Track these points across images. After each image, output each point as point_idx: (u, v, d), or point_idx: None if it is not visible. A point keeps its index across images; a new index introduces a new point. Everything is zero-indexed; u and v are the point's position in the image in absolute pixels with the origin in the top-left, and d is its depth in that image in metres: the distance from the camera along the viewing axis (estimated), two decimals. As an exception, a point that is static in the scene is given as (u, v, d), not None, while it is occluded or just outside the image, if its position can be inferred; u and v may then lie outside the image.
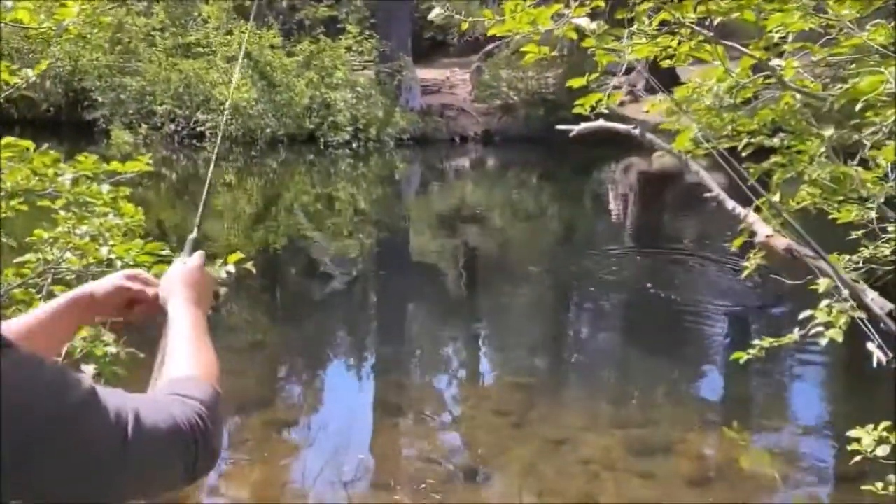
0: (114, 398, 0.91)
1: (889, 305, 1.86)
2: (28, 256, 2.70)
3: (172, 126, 14.77)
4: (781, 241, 2.13)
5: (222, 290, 1.28)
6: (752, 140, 2.59)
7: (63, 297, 1.18)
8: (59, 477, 0.86)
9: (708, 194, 2.21)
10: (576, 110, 1.95)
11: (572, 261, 7.84)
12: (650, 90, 12.57)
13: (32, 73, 2.79)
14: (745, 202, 2.34)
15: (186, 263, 1.22)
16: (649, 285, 6.48)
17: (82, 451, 0.87)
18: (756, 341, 2.72)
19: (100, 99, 15.27)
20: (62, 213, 2.67)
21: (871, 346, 1.70)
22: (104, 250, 2.42)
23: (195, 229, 1.29)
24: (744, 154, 2.59)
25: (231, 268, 2.65)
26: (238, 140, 14.41)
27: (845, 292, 1.87)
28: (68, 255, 2.64)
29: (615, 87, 2.32)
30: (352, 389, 4.45)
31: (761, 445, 3.68)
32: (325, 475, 3.19)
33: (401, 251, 8.31)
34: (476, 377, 4.65)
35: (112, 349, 2.61)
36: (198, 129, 14.64)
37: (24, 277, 2.46)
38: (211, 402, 1.02)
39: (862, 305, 1.83)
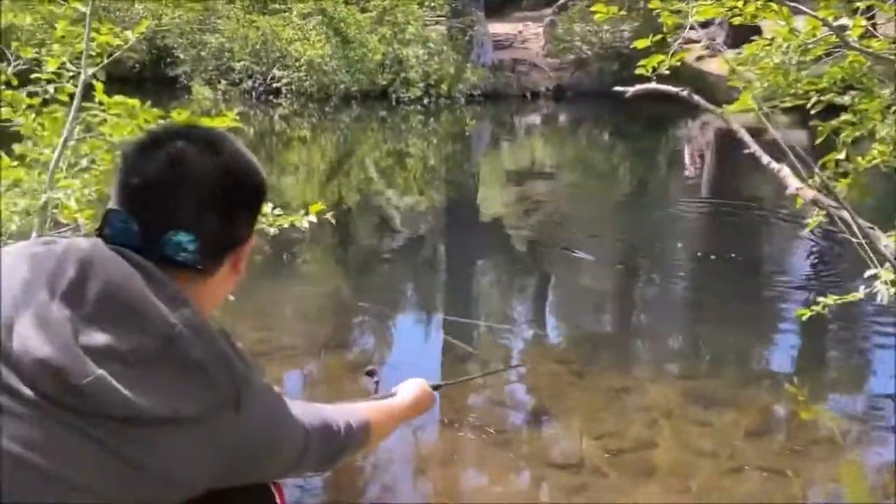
0: (293, 405, 1.15)
1: (897, 248, 1.91)
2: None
3: (250, 82, 15.15)
4: (808, 193, 2.18)
5: None
6: (822, 98, 2.61)
7: None
8: (253, 476, 1.10)
9: (746, 151, 2.27)
10: (637, 71, 2.04)
11: (644, 218, 7.83)
12: (731, 42, 12.12)
13: (132, 35, 3.02)
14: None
15: (428, 385, 1.65)
16: (722, 243, 6.47)
17: (280, 458, 1.12)
18: (821, 299, 2.77)
19: (181, 56, 15.77)
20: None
21: (878, 284, 1.76)
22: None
23: (442, 383, 1.76)
24: (812, 112, 2.62)
25: (313, 217, 2.87)
26: (313, 96, 14.71)
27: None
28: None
29: (689, 41, 2.37)
30: (420, 337, 4.64)
31: (823, 401, 3.72)
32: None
33: (470, 207, 8.44)
34: (542, 329, 4.77)
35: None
36: (273, 85, 14.98)
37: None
38: (359, 437, 1.30)
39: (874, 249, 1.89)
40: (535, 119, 15.94)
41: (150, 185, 1.01)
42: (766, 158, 2.32)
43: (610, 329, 4.73)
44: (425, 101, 14.86)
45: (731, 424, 3.41)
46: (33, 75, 2.66)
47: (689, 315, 5.12)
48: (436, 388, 1.68)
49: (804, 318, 2.83)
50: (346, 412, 1.32)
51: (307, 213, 2.84)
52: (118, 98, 2.41)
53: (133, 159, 1.03)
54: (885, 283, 2.21)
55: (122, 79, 17.00)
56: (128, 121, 2.42)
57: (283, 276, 5.60)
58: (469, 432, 3.30)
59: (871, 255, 1.97)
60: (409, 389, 1.59)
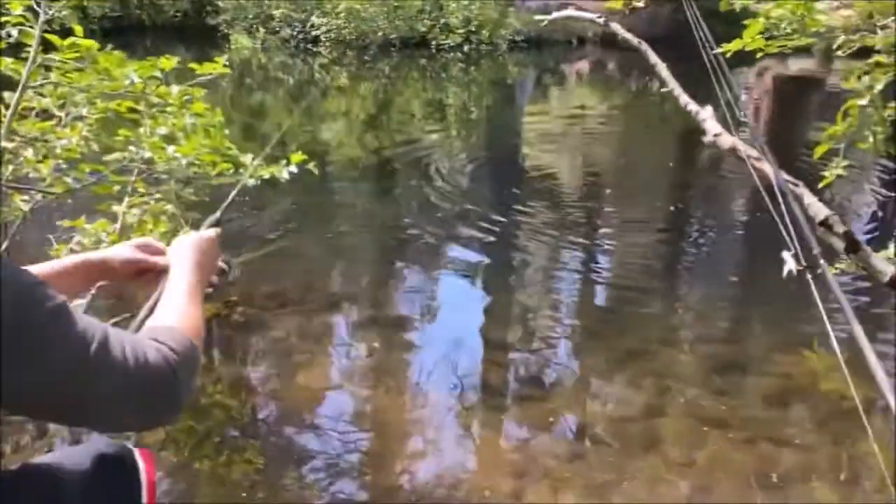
0: (85, 321, 0.95)
1: (826, 211, 1.66)
2: (114, 155, 2.85)
3: (288, 30, 14.98)
4: (727, 140, 1.93)
5: (230, 270, 1.43)
6: (852, 37, 2.31)
7: (76, 257, 1.27)
8: (22, 383, 0.90)
9: (665, 89, 2.02)
10: (608, 4, 1.80)
11: (695, 172, 7.50)
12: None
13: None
14: None
15: (200, 233, 1.32)
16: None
17: (45, 360, 0.91)
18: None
19: (221, 4, 15.66)
20: (144, 111, 2.80)
21: (785, 254, 1.52)
22: (170, 149, 2.52)
23: (218, 212, 1.44)
24: (840, 53, 2.33)
25: (294, 168, 2.72)
26: (351, 44, 14.47)
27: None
28: (148, 153, 2.77)
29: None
30: (461, 290, 4.49)
31: (848, 369, 3.45)
32: (437, 372, 3.34)
33: (510, 158, 8.16)
34: (569, 291, 4.56)
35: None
36: (312, 33, 14.78)
37: (101, 174, 2.62)
38: (186, 354, 1.04)
39: (803, 211, 1.64)
40: (583, 66, 15.39)
41: None
42: (684, 99, 2.09)
43: (636, 291, 4.48)
44: (466, 48, 14.48)
45: (747, 394, 3.20)
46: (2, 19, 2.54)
47: (722, 275, 4.86)
48: (216, 224, 1.41)
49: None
50: (161, 334, 1.05)
51: (288, 164, 2.70)
52: (71, 40, 2.27)
53: None
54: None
55: (163, 27, 17.12)
56: (89, 65, 2.29)
57: (309, 226, 5.51)
58: (463, 393, 3.18)
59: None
60: (183, 254, 1.25)
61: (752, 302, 4.30)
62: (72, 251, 2.78)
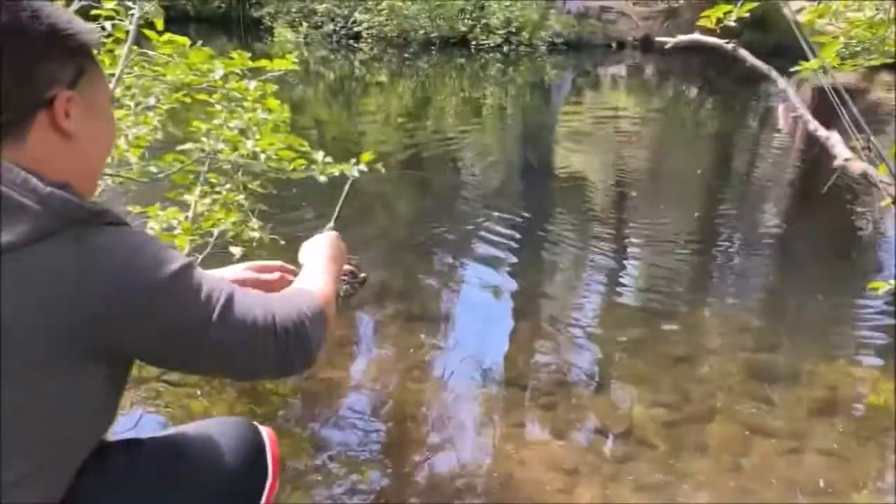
0: (211, 283, 1.04)
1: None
2: (188, 145, 2.97)
3: (331, 26, 15.14)
4: (858, 166, 1.96)
5: (364, 277, 1.72)
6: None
7: None
8: (149, 338, 1.00)
9: (794, 113, 2.05)
10: (700, 23, 1.86)
11: (729, 183, 7.49)
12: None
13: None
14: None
15: (325, 233, 1.55)
16: (812, 212, 6.14)
17: (171, 319, 0.99)
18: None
19: (266, -3, 15.88)
20: (218, 107, 2.91)
21: None
22: (249, 143, 2.62)
23: (332, 221, 1.69)
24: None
25: (363, 166, 2.81)
26: (392, 41, 14.59)
27: None
28: (221, 145, 2.88)
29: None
30: (490, 293, 4.50)
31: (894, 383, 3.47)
32: (463, 369, 3.39)
33: (544, 160, 8.24)
34: (607, 293, 4.62)
35: (257, 234, 2.86)
36: (354, 29, 14.92)
37: (183, 164, 2.73)
38: (315, 310, 1.15)
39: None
40: (620, 70, 15.36)
41: None
42: (812, 124, 2.12)
43: (675, 297, 4.53)
44: (505, 48, 14.53)
45: (794, 403, 3.24)
46: (93, 11, 2.66)
47: (764, 286, 4.88)
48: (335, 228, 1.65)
49: (879, 293, 2.62)
50: (294, 293, 1.20)
51: (357, 163, 2.79)
52: (167, 36, 2.39)
53: None
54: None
55: (208, 18, 17.36)
56: (179, 60, 2.40)
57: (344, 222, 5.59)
58: (514, 392, 3.25)
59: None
60: (315, 249, 1.44)
61: (790, 313, 4.33)
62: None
